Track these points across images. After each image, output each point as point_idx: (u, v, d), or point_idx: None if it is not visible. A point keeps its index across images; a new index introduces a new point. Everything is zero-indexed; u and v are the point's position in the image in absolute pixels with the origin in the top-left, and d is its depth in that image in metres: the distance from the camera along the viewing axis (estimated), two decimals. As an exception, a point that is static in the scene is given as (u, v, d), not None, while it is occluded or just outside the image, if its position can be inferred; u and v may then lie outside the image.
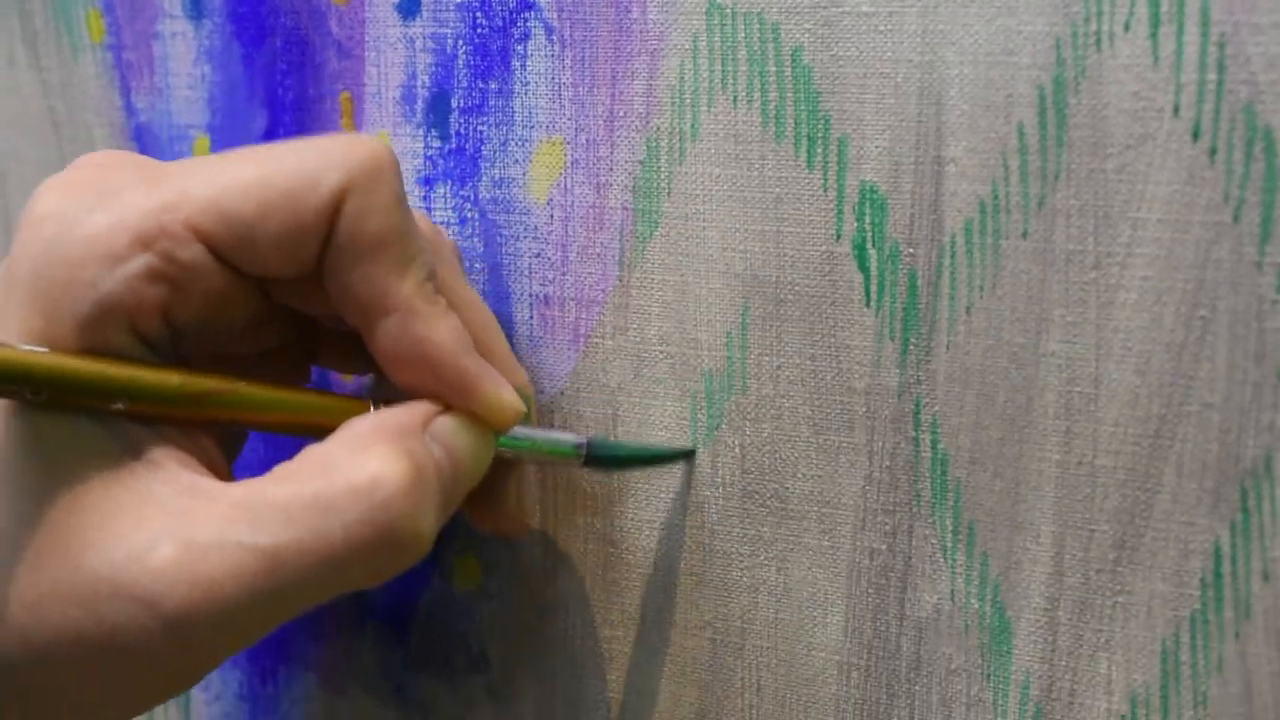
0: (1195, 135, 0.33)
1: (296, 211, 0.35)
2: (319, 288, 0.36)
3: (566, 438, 0.40)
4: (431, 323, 0.36)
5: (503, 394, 0.37)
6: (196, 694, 0.50)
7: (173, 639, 0.32)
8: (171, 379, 0.35)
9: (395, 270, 0.36)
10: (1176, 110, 0.33)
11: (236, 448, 0.41)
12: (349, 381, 0.44)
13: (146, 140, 0.49)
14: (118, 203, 0.34)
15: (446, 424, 0.36)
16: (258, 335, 0.39)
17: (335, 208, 0.35)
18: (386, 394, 0.38)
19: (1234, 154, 0.33)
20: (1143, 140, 0.34)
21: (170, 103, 0.49)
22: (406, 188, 0.44)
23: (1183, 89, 0.33)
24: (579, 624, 0.43)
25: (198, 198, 0.35)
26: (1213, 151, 0.33)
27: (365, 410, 0.36)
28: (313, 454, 0.35)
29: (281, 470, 0.34)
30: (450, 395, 0.37)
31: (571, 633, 0.43)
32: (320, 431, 0.36)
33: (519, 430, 0.39)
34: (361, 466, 0.34)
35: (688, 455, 0.41)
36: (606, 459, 0.41)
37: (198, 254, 0.35)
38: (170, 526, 0.33)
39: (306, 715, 0.48)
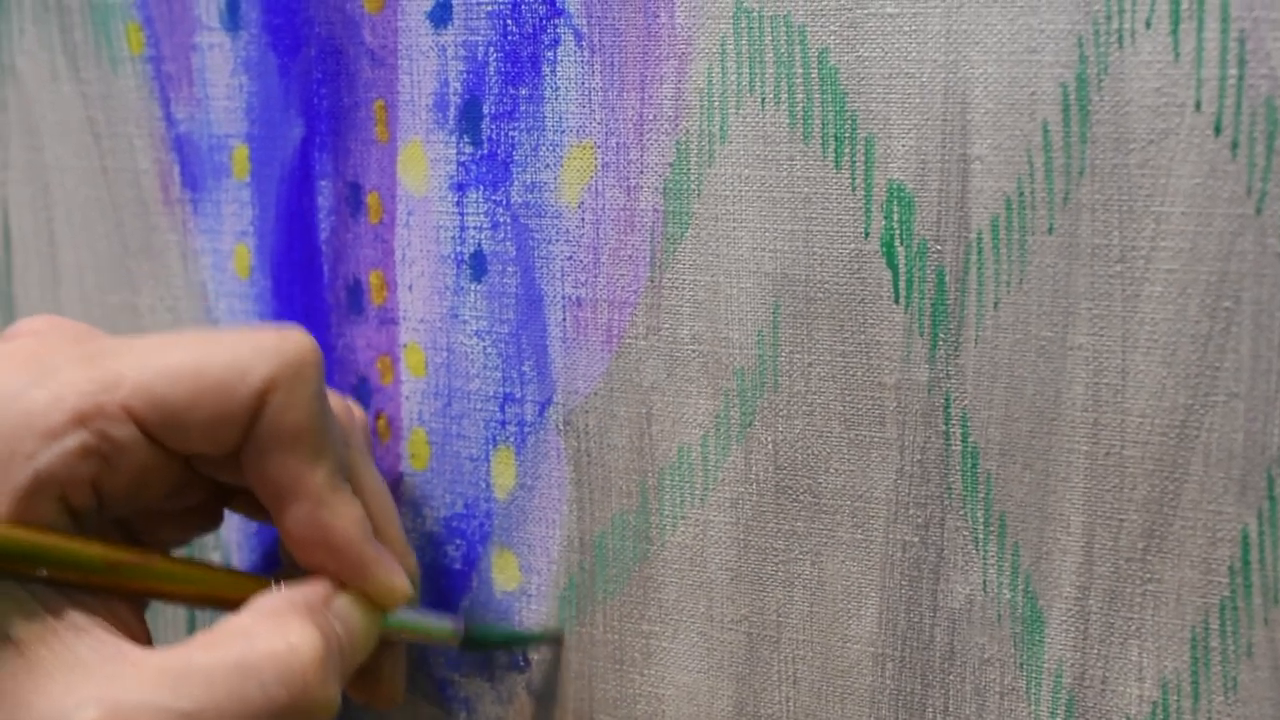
0: (1217, 130, 0.34)
1: (225, 401, 0.37)
2: (238, 464, 0.39)
3: (444, 623, 0.43)
4: (336, 511, 0.39)
5: (394, 579, 0.40)
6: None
7: None
8: (94, 551, 0.37)
9: (308, 461, 0.38)
10: (1198, 105, 0.34)
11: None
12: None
13: (187, 150, 0.50)
14: (56, 380, 0.36)
15: (344, 603, 0.39)
16: (178, 497, 0.41)
17: (261, 400, 0.37)
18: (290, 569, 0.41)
19: (1255, 147, 0.33)
20: (1165, 135, 0.34)
21: (209, 113, 0.50)
22: (440, 194, 0.45)
23: (1204, 84, 0.34)
24: (616, 622, 0.43)
25: (134, 380, 0.37)
26: (1234, 145, 0.34)
27: (267, 586, 0.39)
28: (231, 624, 0.37)
29: (202, 638, 0.36)
30: (347, 576, 0.39)
31: (609, 630, 0.44)
32: (227, 604, 0.38)
33: (403, 613, 0.41)
34: (281, 636, 0.36)
35: (556, 639, 0.44)
36: (481, 642, 0.44)
37: (130, 433, 0.37)
38: (97, 691, 0.34)
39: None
